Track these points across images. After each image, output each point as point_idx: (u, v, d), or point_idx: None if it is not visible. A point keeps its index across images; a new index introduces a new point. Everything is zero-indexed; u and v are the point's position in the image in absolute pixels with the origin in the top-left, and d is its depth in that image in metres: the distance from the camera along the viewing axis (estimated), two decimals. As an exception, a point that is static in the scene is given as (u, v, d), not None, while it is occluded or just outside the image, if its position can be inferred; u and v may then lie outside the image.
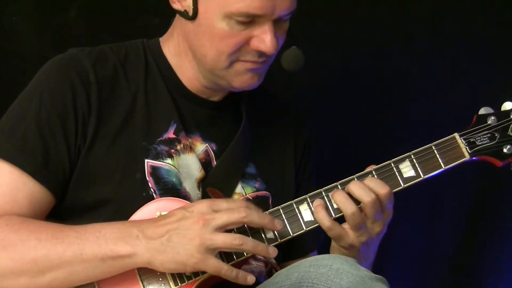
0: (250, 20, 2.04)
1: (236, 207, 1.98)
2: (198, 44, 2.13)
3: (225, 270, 1.96)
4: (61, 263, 1.94)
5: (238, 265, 2.02)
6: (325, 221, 2.06)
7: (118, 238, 1.95)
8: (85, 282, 1.98)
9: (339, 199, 2.06)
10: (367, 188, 2.06)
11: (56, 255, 1.94)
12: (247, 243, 1.97)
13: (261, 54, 2.09)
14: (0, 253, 1.95)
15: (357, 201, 2.07)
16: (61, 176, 2.08)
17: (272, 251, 2.01)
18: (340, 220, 2.09)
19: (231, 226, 1.98)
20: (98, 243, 1.95)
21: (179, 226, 1.94)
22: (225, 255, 2.01)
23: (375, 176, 2.11)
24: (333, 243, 2.14)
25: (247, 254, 2.03)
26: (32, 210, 2.04)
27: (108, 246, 1.94)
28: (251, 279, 1.99)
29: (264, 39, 2.06)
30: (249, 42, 2.08)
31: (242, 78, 2.14)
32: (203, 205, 1.97)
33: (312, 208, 2.07)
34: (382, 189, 2.07)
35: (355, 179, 2.10)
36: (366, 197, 2.05)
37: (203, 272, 2.00)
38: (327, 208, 2.08)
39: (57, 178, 2.08)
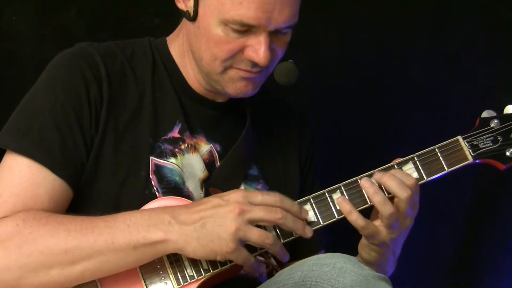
0: (245, 29, 2.04)
1: (272, 201, 1.98)
2: (197, 46, 2.13)
3: (251, 262, 1.98)
4: (92, 252, 1.93)
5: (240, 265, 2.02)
6: (360, 221, 2.04)
7: (150, 225, 1.94)
8: (117, 271, 1.97)
9: (377, 199, 2.04)
10: (403, 183, 2.05)
11: (87, 245, 1.93)
12: (276, 245, 1.98)
13: (254, 64, 2.08)
14: (30, 246, 1.94)
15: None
16: (80, 169, 2.08)
17: (287, 257, 2.03)
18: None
19: (264, 223, 1.98)
20: (129, 230, 1.94)
21: (214, 214, 1.94)
22: None
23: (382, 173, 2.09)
24: (362, 241, 2.13)
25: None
26: (53, 204, 2.03)
27: (140, 233, 1.93)
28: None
29: (258, 50, 2.05)
30: (244, 51, 2.07)
31: (236, 85, 2.13)
32: (238, 195, 1.97)
33: (316, 210, 2.06)
34: (408, 180, 2.06)
35: (358, 180, 2.08)
36: (403, 193, 2.03)
37: (206, 271, 2.00)
38: (329, 209, 2.07)
39: (76, 171, 2.07)
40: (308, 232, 2.03)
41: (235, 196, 1.97)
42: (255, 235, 1.94)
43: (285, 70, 2.16)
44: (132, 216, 1.96)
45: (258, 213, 1.95)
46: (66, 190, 2.06)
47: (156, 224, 1.94)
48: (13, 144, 2.05)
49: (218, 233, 1.92)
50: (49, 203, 2.03)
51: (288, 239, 2.04)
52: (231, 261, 2.01)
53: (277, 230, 2.04)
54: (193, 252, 1.94)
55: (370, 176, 2.09)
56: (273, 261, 2.25)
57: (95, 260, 1.94)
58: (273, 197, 1.99)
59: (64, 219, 1.98)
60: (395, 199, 2.05)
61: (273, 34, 2.06)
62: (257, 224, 1.97)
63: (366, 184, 2.06)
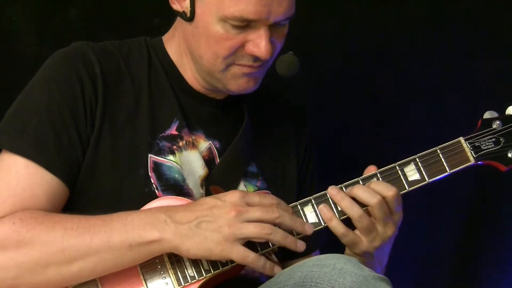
0: (245, 25, 2.04)
1: (269, 203, 1.99)
2: (196, 45, 2.13)
3: (251, 258, 1.96)
4: (89, 251, 1.94)
5: (242, 265, 2.02)
6: (340, 228, 2.07)
7: (146, 224, 1.95)
8: (113, 270, 1.98)
9: (344, 204, 2.06)
10: (372, 190, 2.06)
11: (84, 244, 1.94)
12: (277, 233, 1.98)
13: (256, 58, 2.08)
14: (26, 245, 1.94)
15: (363, 205, 2.07)
16: (76, 168, 2.08)
17: (301, 245, 2.02)
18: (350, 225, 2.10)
19: (261, 223, 1.98)
20: (125, 229, 1.94)
21: (209, 214, 1.95)
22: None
23: (380, 179, 2.11)
24: (347, 250, 2.14)
25: (273, 246, 2.02)
26: (51, 204, 2.04)
27: (135, 232, 1.94)
28: (277, 269, 2.01)
29: (259, 44, 2.06)
30: (244, 46, 2.07)
31: (238, 81, 2.14)
32: (235, 196, 1.98)
33: (318, 211, 2.07)
34: (388, 191, 2.07)
35: (360, 181, 2.11)
36: (372, 199, 2.05)
37: (207, 272, 2.00)
38: (332, 210, 2.08)
39: (72, 170, 2.08)
40: (309, 229, 2.03)
41: (232, 197, 1.98)
42: (251, 230, 1.95)
43: (287, 62, 2.16)
44: (128, 215, 1.97)
45: (255, 213, 1.96)
46: (62, 189, 2.07)
47: (152, 223, 1.94)
48: (9, 144, 2.05)
49: (212, 232, 1.93)
50: (46, 202, 2.03)
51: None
52: (232, 261, 2.01)
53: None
54: (187, 251, 1.95)
55: (372, 177, 2.11)
56: (274, 258, 2.25)
57: (92, 259, 1.94)
58: (270, 199, 2.01)
59: (61, 218, 1.99)
60: (368, 207, 2.07)
61: (272, 27, 2.07)
62: None
63: (333, 192, 2.08)
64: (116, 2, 3.01)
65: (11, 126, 2.09)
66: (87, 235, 1.94)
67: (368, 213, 2.07)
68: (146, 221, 1.95)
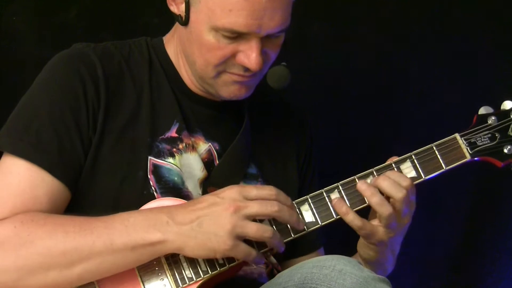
0: (236, 36, 2.04)
1: (267, 195, 1.99)
2: (190, 50, 2.13)
3: (253, 255, 1.97)
4: (91, 254, 1.94)
5: (239, 265, 2.03)
6: (357, 222, 2.05)
7: (148, 226, 1.94)
8: (116, 272, 1.98)
9: (375, 200, 2.04)
10: (397, 184, 2.04)
11: (86, 247, 1.94)
12: (276, 237, 1.98)
13: (247, 68, 2.08)
14: (28, 248, 1.94)
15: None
16: (78, 170, 2.08)
17: (283, 247, 2.03)
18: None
19: (260, 217, 1.99)
20: (128, 231, 1.94)
21: (209, 212, 1.94)
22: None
23: (376, 176, 2.09)
24: (361, 240, 2.14)
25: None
26: (52, 206, 2.04)
27: (138, 234, 1.94)
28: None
29: (250, 55, 2.05)
30: (235, 56, 2.07)
31: (229, 88, 2.14)
32: (233, 191, 1.97)
33: (314, 209, 2.07)
34: (404, 181, 2.05)
35: (357, 179, 2.09)
36: (398, 193, 2.03)
37: (205, 273, 2.00)
38: (327, 209, 2.07)
39: (74, 173, 2.08)
40: (301, 225, 2.03)
41: (230, 193, 1.97)
42: (253, 230, 1.95)
43: (277, 75, 2.17)
44: (130, 217, 1.96)
45: (253, 208, 1.96)
46: (64, 191, 2.06)
47: (155, 224, 1.94)
48: (11, 146, 2.05)
49: (215, 231, 1.93)
50: (47, 204, 2.03)
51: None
52: (230, 262, 2.01)
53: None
54: (191, 252, 1.95)
55: (368, 175, 2.10)
56: (273, 259, 2.25)
57: (94, 261, 1.94)
58: (268, 191, 2.00)
59: (63, 221, 1.98)
60: (391, 200, 2.05)
61: (265, 38, 2.06)
62: (254, 219, 1.97)
63: (363, 187, 2.06)
64: (116, 2, 3.02)
65: (14, 128, 2.08)
66: (89, 238, 1.94)
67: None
68: (148, 223, 1.94)
